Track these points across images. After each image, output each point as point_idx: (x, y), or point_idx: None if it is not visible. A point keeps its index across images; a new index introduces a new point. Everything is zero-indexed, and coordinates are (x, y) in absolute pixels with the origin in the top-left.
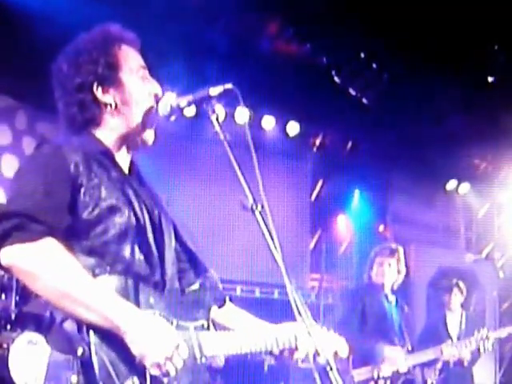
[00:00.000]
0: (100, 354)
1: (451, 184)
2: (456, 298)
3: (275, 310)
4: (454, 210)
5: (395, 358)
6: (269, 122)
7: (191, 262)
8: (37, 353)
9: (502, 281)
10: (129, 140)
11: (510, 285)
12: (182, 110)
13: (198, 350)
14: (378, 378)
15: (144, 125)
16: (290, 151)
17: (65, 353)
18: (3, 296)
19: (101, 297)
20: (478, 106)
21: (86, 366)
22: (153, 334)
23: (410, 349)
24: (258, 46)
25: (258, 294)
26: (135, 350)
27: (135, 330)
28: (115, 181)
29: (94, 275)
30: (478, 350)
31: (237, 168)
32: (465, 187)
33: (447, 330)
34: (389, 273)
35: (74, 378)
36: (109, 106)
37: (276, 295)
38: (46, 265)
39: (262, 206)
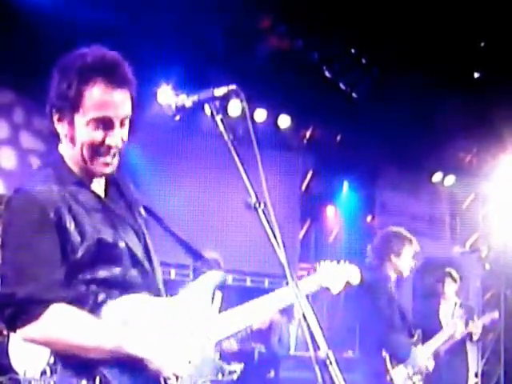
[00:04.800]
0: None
1: (437, 176)
2: (450, 287)
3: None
4: (440, 201)
5: (424, 358)
6: (260, 115)
7: (185, 250)
8: None
9: (486, 271)
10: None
11: (493, 275)
12: (186, 110)
13: (206, 339)
14: (414, 374)
15: (88, 164)
16: (281, 143)
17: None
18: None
19: (111, 338)
20: (464, 101)
21: None
22: (167, 353)
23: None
24: (250, 41)
25: (249, 283)
26: (153, 367)
27: (150, 355)
28: (94, 211)
29: (99, 303)
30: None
31: (241, 168)
32: (450, 179)
33: (438, 318)
34: (411, 259)
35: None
36: (63, 137)
37: (266, 284)
38: (57, 333)
39: (265, 204)
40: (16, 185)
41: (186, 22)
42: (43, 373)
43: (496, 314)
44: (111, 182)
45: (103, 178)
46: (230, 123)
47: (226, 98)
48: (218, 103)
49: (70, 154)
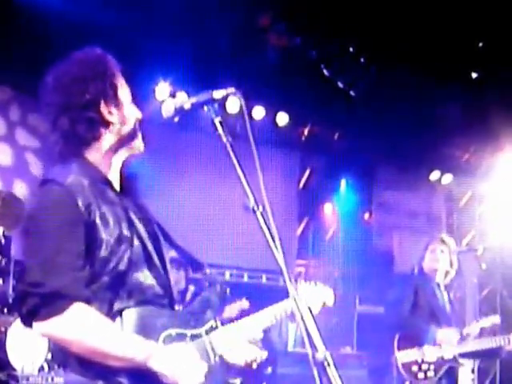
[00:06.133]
0: None
1: (435, 174)
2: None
3: (263, 294)
4: (437, 199)
5: (449, 340)
6: (259, 112)
7: (188, 262)
8: (34, 337)
9: (482, 270)
10: (120, 154)
11: (490, 272)
12: (185, 111)
13: (212, 352)
14: (423, 362)
15: (132, 140)
16: (279, 141)
17: None
18: (0, 280)
19: (130, 346)
20: (461, 100)
21: None
22: (182, 368)
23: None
24: (249, 39)
25: (246, 278)
26: (168, 381)
27: (164, 367)
28: (117, 209)
29: (115, 311)
30: None
31: (239, 171)
32: (448, 177)
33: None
34: (442, 259)
35: None
36: (112, 126)
37: (264, 280)
38: (76, 332)
39: (264, 207)
40: (12, 181)
41: (184, 19)
42: (41, 369)
43: (497, 319)
44: (125, 183)
45: (119, 169)
46: (228, 120)
47: (224, 99)
48: (216, 105)
49: (112, 142)
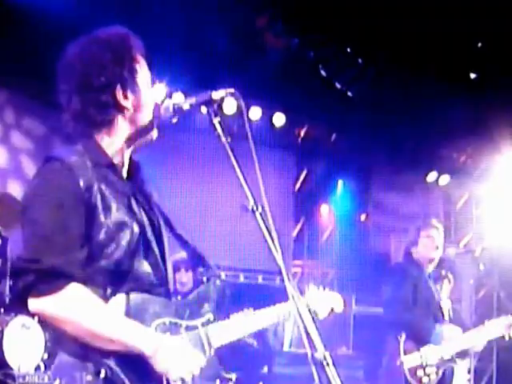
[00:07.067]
0: (121, 376)
1: (432, 176)
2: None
3: (259, 294)
4: (434, 200)
5: (455, 337)
6: (255, 113)
7: (189, 254)
8: (30, 336)
9: (480, 272)
10: (134, 142)
11: (488, 273)
12: (183, 112)
13: (208, 345)
14: (427, 365)
15: (150, 128)
16: (276, 141)
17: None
18: None
19: (123, 330)
20: (459, 101)
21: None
22: (173, 355)
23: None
24: (246, 40)
25: (242, 279)
26: (159, 368)
27: (158, 353)
28: (121, 194)
29: (108, 294)
30: None
31: (239, 171)
32: (445, 179)
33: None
34: (440, 246)
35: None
36: (126, 111)
37: (260, 280)
38: (71, 311)
39: (263, 208)
40: (6, 182)
41: (180, 19)
42: (37, 368)
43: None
44: (134, 170)
45: (128, 156)
46: (225, 120)
47: (222, 100)
48: (215, 106)
49: (125, 128)
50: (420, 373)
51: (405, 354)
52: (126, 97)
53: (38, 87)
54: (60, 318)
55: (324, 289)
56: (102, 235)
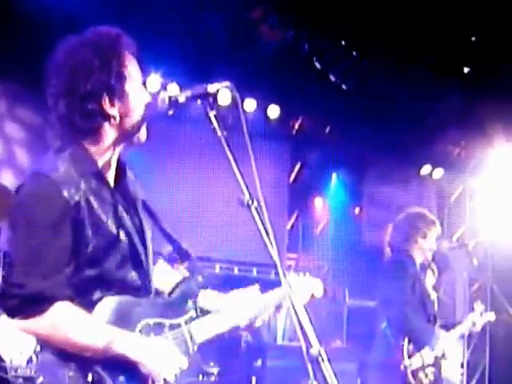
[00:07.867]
0: (108, 380)
1: (425, 169)
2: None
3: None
4: (428, 193)
5: (448, 340)
6: (250, 105)
7: (174, 249)
8: None
9: (473, 265)
10: (122, 145)
11: (480, 269)
12: (179, 105)
13: (191, 342)
14: (427, 365)
15: (138, 130)
16: (270, 133)
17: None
18: None
19: (108, 339)
20: (453, 94)
21: None
22: (156, 357)
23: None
24: (240, 32)
25: (236, 271)
26: (144, 370)
27: (142, 357)
28: (108, 205)
29: (94, 300)
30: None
31: (234, 165)
32: (438, 172)
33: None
34: (434, 242)
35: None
36: (112, 119)
37: (254, 273)
38: (57, 329)
39: (258, 202)
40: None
41: (175, 11)
42: (29, 361)
43: (492, 316)
44: (121, 174)
45: (116, 160)
46: (220, 112)
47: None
48: (211, 99)
49: (112, 135)
50: (421, 375)
51: (409, 357)
52: (112, 105)
53: (31, 76)
54: (47, 336)
55: (304, 275)
56: (89, 249)
